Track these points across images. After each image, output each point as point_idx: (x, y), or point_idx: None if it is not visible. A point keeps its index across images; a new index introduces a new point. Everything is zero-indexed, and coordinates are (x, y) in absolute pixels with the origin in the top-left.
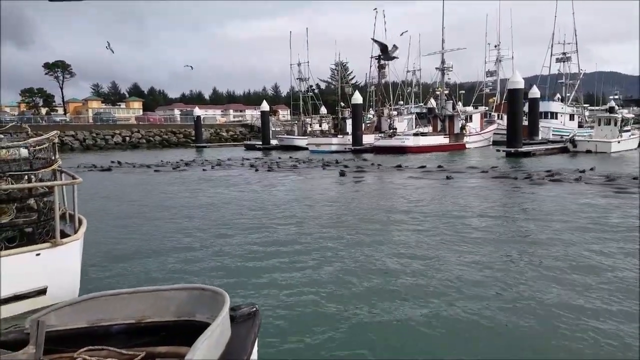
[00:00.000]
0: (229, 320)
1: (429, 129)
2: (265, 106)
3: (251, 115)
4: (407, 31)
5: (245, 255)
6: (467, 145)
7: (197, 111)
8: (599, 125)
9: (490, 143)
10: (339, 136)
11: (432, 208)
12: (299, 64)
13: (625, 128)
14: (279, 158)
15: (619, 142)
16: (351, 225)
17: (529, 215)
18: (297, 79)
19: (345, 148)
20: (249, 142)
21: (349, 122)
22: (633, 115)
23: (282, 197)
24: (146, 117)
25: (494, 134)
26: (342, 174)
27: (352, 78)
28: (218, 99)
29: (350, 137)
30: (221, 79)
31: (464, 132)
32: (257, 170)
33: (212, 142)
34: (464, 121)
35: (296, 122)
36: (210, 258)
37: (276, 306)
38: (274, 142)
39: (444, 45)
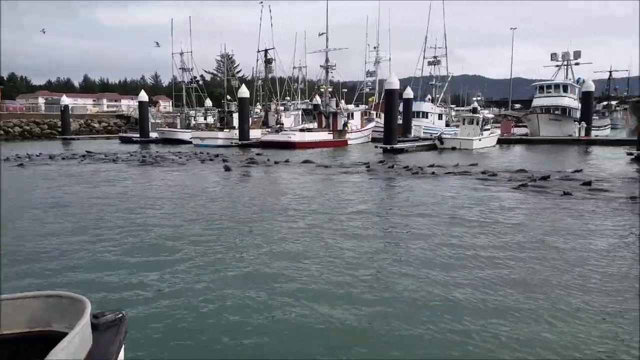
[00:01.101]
0: (89, 329)
1: (315, 125)
2: (143, 96)
3: (128, 105)
4: (324, 33)
5: (110, 259)
6: (349, 142)
7: (65, 100)
8: (463, 124)
9: (370, 140)
10: (225, 130)
11: (314, 202)
12: (181, 54)
13: (486, 127)
14: (157, 152)
15: (480, 140)
16: (231, 225)
17: (402, 208)
18: (180, 69)
19: (232, 142)
20: (124, 135)
21: (235, 116)
22: (493, 116)
23: (158, 194)
24: (4, 106)
25: (373, 131)
26: (227, 168)
27: (239, 71)
28: (90, 88)
29: (236, 132)
30: (94, 67)
31: (347, 129)
32: (142, 163)
33: (81, 134)
34: (346, 118)
35: (179, 114)
36: (68, 263)
37: (147, 313)
38: (153, 135)
39: (327, 44)
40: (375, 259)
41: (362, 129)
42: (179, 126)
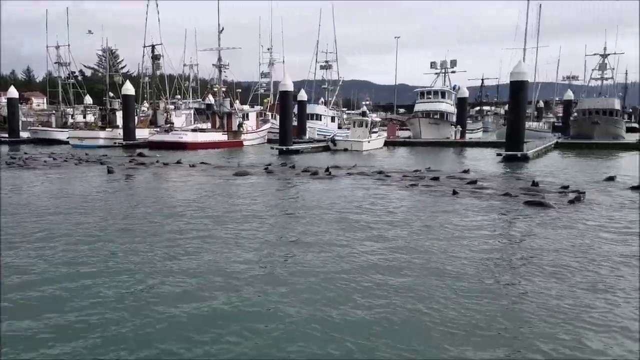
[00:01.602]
0: None
1: (208, 125)
2: (13, 92)
3: None
4: (223, 29)
5: None
6: (245, 143)
7: None
8: (354, 127)
9: (265, 141)
10: (107, 129)
11: (208, 207)
12: (57, 47)
13: (374, 130)
14: (26, 154)
15: (369, 141)
16: (108, 234)
17: (300, 209)
18: (56, 63)
19: (115, 143)
20: None
21: (119, 114)
22: (380, 119)
23: (25, 202)
24: None
25: (269, 132)
26: (110, 170)
27: (124, 67)
28: None
29: (120, 131)
30: None
31: (242, 129)
32: (9, 165)
33: None
34: (241, 119)
35: (54, 112)
36: None
37: None
38: (25, 134)
39: (220, 43)
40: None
41: (258, 130)
42: (54, 125)
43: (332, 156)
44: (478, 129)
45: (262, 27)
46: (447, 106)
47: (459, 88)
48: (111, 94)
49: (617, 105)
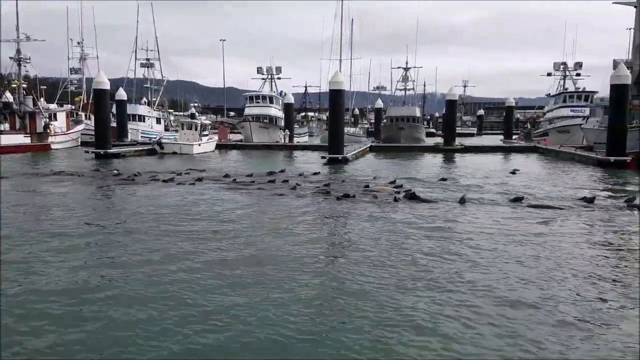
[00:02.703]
0: None
1: (6, 126)
2: None
3: None
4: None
5: None
6: (53, 146)
7: None
8: (182, 129)
9: (79, 143)
10: None
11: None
12: None
13: (205, 133)
14: None
15: (199, 144)
16: None
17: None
18: None
19: None
20: None
21: None
22: (210, 122)
23: None
24: None
25: (82, 134)
26: None
27: None
28: None
29: None
30: None
31: (49, 131)
32: None
33: None
34: (47, 119)
35: None
36: None
37: None
38: None
39: (19, 34)
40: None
41: (69, 131)
42: None
43: (160, 160)
44: (304, 133)
45: (72, 18)
46: (276, 111)
47: (285, 94)
48: None
49: (417, 112)
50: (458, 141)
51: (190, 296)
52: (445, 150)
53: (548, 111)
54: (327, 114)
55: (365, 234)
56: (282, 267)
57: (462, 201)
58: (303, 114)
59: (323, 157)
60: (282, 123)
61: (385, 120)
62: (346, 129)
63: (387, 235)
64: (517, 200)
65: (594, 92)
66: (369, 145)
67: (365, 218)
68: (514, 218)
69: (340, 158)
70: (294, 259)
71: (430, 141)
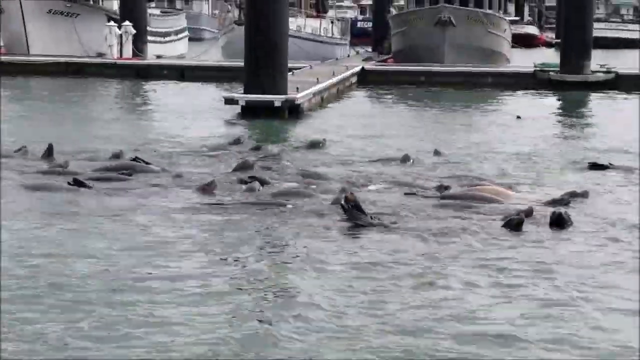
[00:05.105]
0: None
1: None
2: None
3: None
4: None
5: None
6: None
7: None
8: None
9: None
10: None
11: None
12: None
13: None
14: None
15: None
16: None
17: None
18: None
19: None
20: None
21: None
22: None
23: None
24: None
25: None
26: None
27: None
28: None
29: None
30: None
31: None
32: None
33: None
34: None
35: None
36: None
37: None
38: None
39: None
40: None
41: None
42: None
43: None
44: (177, 32)
45: None
46: None
47: None
48: None
49: None
50: (598, 61)
51: None
52: (565, 88)
53: None
54: None
55: None
56: None
57: None
58: None
59: (230, 101)
60: (115, 5)
61: (401, 2)
62: (298, 25)
63: None
64: None
65: None
66: (357, 70)
67: None
68: None
69: (278, 104)
70: None
71: (523, 56)
